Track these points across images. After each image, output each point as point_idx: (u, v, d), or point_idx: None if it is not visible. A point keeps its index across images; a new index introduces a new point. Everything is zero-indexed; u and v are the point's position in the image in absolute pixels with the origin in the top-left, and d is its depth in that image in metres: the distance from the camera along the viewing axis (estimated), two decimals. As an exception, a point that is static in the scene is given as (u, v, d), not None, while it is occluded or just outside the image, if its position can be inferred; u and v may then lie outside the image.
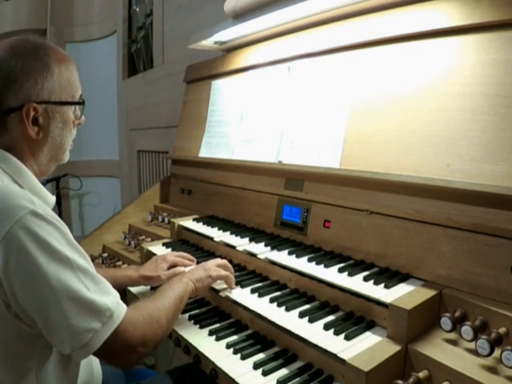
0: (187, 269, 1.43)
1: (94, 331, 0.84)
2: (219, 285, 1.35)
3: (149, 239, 2.04)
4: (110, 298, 0.89)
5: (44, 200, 0.98)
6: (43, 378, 0.92)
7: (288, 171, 1.58)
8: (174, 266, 1.46)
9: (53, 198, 1.04)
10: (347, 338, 1.01)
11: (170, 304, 1.06)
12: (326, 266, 1.25)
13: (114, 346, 0.87)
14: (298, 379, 0.99)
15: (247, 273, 1.44)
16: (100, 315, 0.85)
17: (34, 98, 0.96)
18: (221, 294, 1.31)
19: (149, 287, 1.51)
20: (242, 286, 1.33)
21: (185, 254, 1.52)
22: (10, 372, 0.87)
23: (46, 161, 1.05)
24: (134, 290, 1.51)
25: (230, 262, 1.55)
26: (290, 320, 1.12)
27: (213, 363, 1.06)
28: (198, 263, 1.53)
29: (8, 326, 0.85)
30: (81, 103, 1.08)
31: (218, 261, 1.35)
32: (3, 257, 0.80)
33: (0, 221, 0.81)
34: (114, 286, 1.37)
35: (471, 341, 0.91)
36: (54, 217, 0.87)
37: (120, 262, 1.99)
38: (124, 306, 0.92)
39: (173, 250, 1.70)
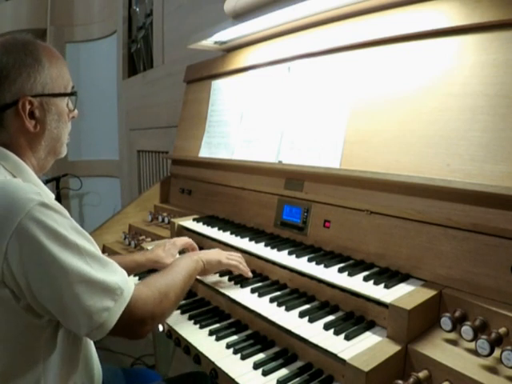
0: None
1: (109, 309, 0.87)
2: (221, 287, 1.35)
3: (149, 239, 2.04)
4: (118, 277, 0.92)
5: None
6: (49, 370, 0.94)
7: (288, 171, 1.58)
8: (182, 252, 1.53)
9: (52, 195, 1.05)
10: (347, 337, 1.01)
11: (179, 279, 1.09)
12: (325, 266, 1.25)
13: (126, 321, 0.90)
14: (297, 379, 0.99)
15: (247, 273, 1.44)
16: (112, 293, 0.88)
17: (28, 92, 0.97)
18: (222, 291, 1.31)
19: None
20: (242, 286, 1.33)
21: (192, 242, 1.57)
22: (17, 363, 0.90)
23: (44, 154, 1.06)
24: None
25: (230, 261, 1.56)
26: (290, 320, 1.12)
27: (213, 363, 1.06)
28: None
29: (16, 319, 0.87)
30: (73, 94, 1.10)
31: (233, 253, 1.40)
32: (17, 249, 0.82)
33: (10, 214, 0.83)
34: (135, 269, 1.44)
35: (471, 341, 0.91)
36: (60, 207, 0.90)
37: (120, 262, 1.98)
38: (132, 283, 0.95)
39: (173, 249, 1.70)
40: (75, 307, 0.85)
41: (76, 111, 1.13)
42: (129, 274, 1.45)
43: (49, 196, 1.01)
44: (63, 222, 0.87)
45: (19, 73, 0.96)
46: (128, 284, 0.93)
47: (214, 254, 1.33)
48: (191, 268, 1.18)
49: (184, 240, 1.55)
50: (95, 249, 0.93)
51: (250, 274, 1.36)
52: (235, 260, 1.37)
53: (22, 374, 0.90)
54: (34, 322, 0.89)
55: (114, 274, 0.92)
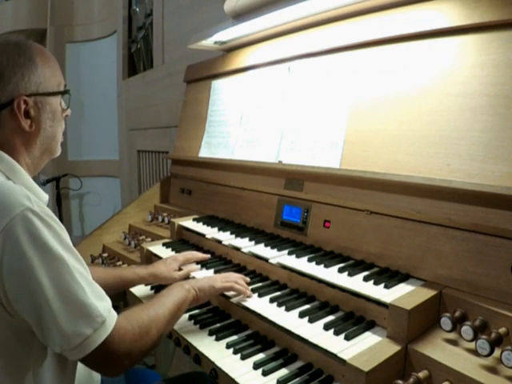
0: (198, 274, 1.44)
1: (85, 336, 0.83)
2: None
3: (149, 239, 2.04)
4: (102, 304, 0.87)
5: (38, 197, 0.97)
6: (41, 378, 0.91)
7: (288, 171, 1.58)
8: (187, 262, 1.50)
9: (46, 196, 1.04)
10: (347, 338, 1.01)
11: (164, 313, 1.02)
12: (326, 266, 1.25)
13: (98, 355, 0.85)
14: (297, 379, 0.99)
15: (247, 273, 1.44)
16: (92, 321, 0.84)
17: (22, 91, 0.97)
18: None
19: (151, 291, 1.50)
20: (242, 286, 1.33)
21: (195, 253, 1.55)
22: (7, 371, 0.87)
23: (39, 153, 1.05)
24: (134, 290, 1.51)
25: (230, 262, 1.56)
26: (290, 320, 1.12)
27: (213, 363, 1.06)
28: (198, 263, 1.53)
29: (4, 324, 0.85)
30: (67, 92, 1.10)
31: (231, 274, 1.32)
32: None
33: None
34: (121, 286, 1.41)
35: (471, 341, 0.91)
36: (51, 215, 0.87)
37: (120, 262, 1.99)
38: (115, 314, 0.90)
39: (173, 250, 1.70)
40: (50, 323, 0.82)
41: (69, 110, 1.13)
42: (130, 287, 1.47)
43: (42, 200, 1.00)
44: (51, 233, 0.84)
45: (13, 72, 0.96)
46: (111, 314, 0.88)
47: (207, 281, 1.24)
48: (181, 298, 1.11)
49: (186, 254, 1.52)
50: (83, 268, 0.89)
51: (249, 293, 1.25)
52: (230, 281, 1.26)
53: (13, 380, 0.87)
54: (23, 328, 0.85)
55: (99, 300, 0.87)
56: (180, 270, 1.46)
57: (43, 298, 0.81)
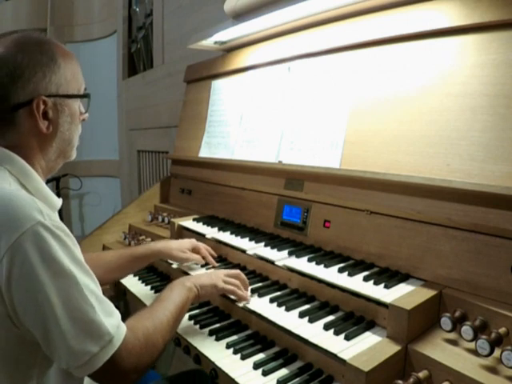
0: (196, 271, 1.45)
1: (92, 354, 0.82)
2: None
3: (149, 239, 2.04)
4: (111, 321, 0.86)
5: (50, 204, 0.97)
6: (47, 376, 0.91)
7: (288, 171, 1.58)
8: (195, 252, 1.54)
9: (59, 201, 1.02)
10: (347, 338, 1.01)
11: (168, 320, 1.01)
12: (326, 266, 1.25)
13: (106, 370, 0.84)
14: (297, 379, 0.99)
15: (247, 273, 1.44)
16: (99, 339, 0.83)
17: (42, 92, 0.95)
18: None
19: (155, 294, 1.50)
20: (242, 286, 1.33)
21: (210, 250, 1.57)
22: (11, 380, 0.86)
23: (54, 157, 1.03)
24: (134, 290, 1.51)
25: (230, 262, 1.56)
26: (290, 320, 1.12)
27: (213, 363, 1.06)
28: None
29: (10, 334, 0.84)
30: (87, 96, 1.07)
31: (232, 272, 1.30)
32: (7, 268, 0.79)
33: (8, 230, 0.80)
34: (135, 263, 1.46)
35: (471, 341, 0.91)
36: (63, 229, 0.85)
37: (120, 262, 1.98)
38: (124, 328, 0.89)
39: (173, 249, 1.70)
40: (57, 340, 0.81)
41: (87, 114, 1.10)
42: (144, 263, 1.50)
43: (56, 206, 0.99)
44: (62, 248, 0.83)
45: (34, 72, 0.93)
46: (120, 330, 0.87)
47: (210, 278, 1.22)
48: (183, 299, 1.10)
49: (202, 247, 1.55)
50: (94, 283, 0.87)
51: (248, 299, 1.24)
52: (233, 284, 1.24)
53: None
54: (28, 338, 0.85)
55: (109, 317, 0.86)
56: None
57: (51, 314, 0.80)
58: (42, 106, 0.95)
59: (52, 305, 0.80)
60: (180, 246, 1.49)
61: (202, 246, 1.55)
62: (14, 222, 0.80)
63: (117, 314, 0.90)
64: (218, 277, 1.24)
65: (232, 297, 1.27)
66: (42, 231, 0.81)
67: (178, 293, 1.11)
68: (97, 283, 0.89)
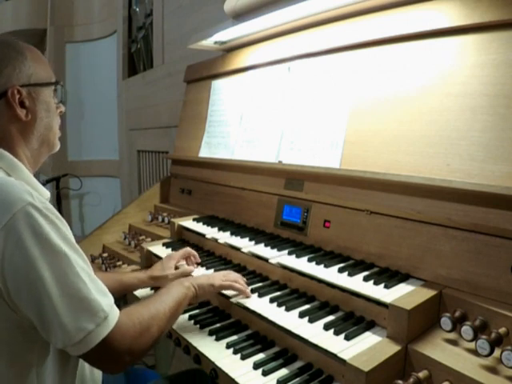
0: (195, 272, 1.45)
1: (87, 331, 0.83)
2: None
3: (149, 239, 2.04)
4: (105, 300, 0.87)
5: (39, 193, 0.96)
6: (43, 374, 0.91)
7: (288, 171, 1.58)
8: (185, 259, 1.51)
9: (47, 193, 1.04)
10: (347, 338, 1.01)
11: (164, 310, 1.03)
12: (326, 266, 1.25)
13: (100, 351, 0.85)
14: (297, 379, 0.99)
15: (247, 273, 1.44)
16: (94, 315, 0.84)
17: (15, 82, 0.99)
18: (221, 291, 1.31)
19: (151, 291, 1.50)
20: (242, 286, 1.33)
21: (191, 250, 1.54)
22: (10, 366, 0.87)
23: (37, 144, 1.06)
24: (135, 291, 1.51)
25: (230, 262, 1.56)
26: (290, 320, 1.12)
27: (213, 363, 1.06)
28: (198, 263, 1.54)
29: (8, 320, 0.85)
30: (58, 83, 1.11)
31: (230, 273, 1.32)
32: (1, 249, 0.80)
33: (0, 211, 0.81)
34: (121, 290, 1.40)
35: (471, 341, 0.91)
36: (53, 211, 0.87)
37: (120, 262, 1.98)
38: (117, 310, 0.90)
39: (173, 249, 1.70)
40: (52, 318, 0.81)
41: (63, 107, 1.14)
42: (130, 291, 1.47)
43: (44, 196, 0.99)
44: (53, 228, 0.84)
45: (4, 65, 0.98)
46: (114, 310, 0.88)
47: (207, 278, 1.25)
48: (181, 296, 1.12)
49: (181, 251, 1.52)
50: (85, 263, 0.89)
51: (248, 294, 1.26)
52: (230, 280, 1.27)
53: (14, 380, 0.87)
54: (26, 323, 0.85)
55: (102, 295, 0.87)
56: (176, 268, 1.46)
57: (45, 293, 0.81)
58: (17, 96, 0.99)
59: (46, 283, 0.81)
60: (164, 268, 1.44)
61: (182, 252, 1.52)
62: (4, 205, 0.82)
63: (110, 295, 0.91)
64: (215, 277, 1.27)
65: (232, 293, 1.27)
66: (33, 211, 0.83)
67: (175, 289, 1.14)
68: (89, 264, 0.90)
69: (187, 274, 1.42)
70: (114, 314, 0.88)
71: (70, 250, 0.85)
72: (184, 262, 1.52)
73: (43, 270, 0.81)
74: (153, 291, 1.51)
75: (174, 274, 1.42)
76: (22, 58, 1.01)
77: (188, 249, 1.54)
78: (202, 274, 1.30)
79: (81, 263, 0.87)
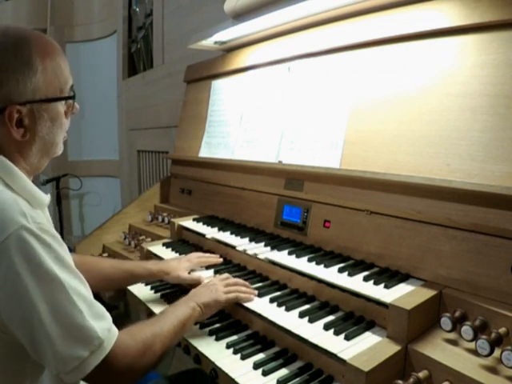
0: (195, 272, 1.44)
1: (82, 359, 0.80)
2: None
3: (149, 239, 2.04)
4: (101, 324, 0.84)
5: (38, 201, 0.93)
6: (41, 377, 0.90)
7: (288, 171, 1.58)
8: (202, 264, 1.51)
9: (47, 198, 0.98)
10: (347, 338, 1.01)
11: (169, 330, 1.01)
12: (326, 266, 1.25)
13: (102, 371, 0.83)
14: (297, 379, 0.99)
15: (247, 273, 1.44)
16: (88, 343, 0.81)
17: (16, 100, 0.88)
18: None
19: (156, 295, 1.49)
20: (242, 286, 1.32)
21: (212, 260, 1.53)
22: (3, 377, 0.85)
23: (36, 159, 0.97)
24: (134, 291, 1.51)
25: (230, 262, 1.56)
26: (290, 320, 1.12)
27: (213, 363, 1.06)
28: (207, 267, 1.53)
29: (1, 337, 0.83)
30: (70, 97, 0.99)
31: (227, 279, 1.29)
32: None
33: None
34: (130, 280, 1.43)
35: (471, 341, 0.91)
36: (48, 231, 0.83)
37: (120, 262, 1.98)
38: (115, 331, 0.87)
39: (173, 250, 1.71)
40: (45, 346, 0.79)
41: (77, 106, 1.03)
42: (138, 282, 1.48)
43: (43, 203, 0.96)
44: (47, 251, 0.80)
45: (7, 78, 0.87)
46: (110, 333, 0.85)
47: (210, 293, 1.20)
48: (186, 316, 1.09)
49: (201, 257, 1.50)
50: (82, 286, 0.85)
51: (253, 298, 1.24)
52: (234, 291, 1.23)
53: None
54: (17, 342, 0.82)
55: (99, 320, 0.84)
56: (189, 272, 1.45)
57: (38, 321, 0.78)
58: (15, 115, 0.88)
59: (38, 311, 0.78)
60: (181, 268, 1.42)
61: (200, 258, 1.51)
62: None
63: (108, 316, 0.88)
64: (217, 289, 1.23)
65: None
66: (26, 235, 0.78)
67: (180, 309, 1.11)
68: (86, 286, 0.87)
69: (196, 283, 1.38)
70: (110, 337, 0.85)
71: (65, 275, 0.82)
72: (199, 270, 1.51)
73: (36, 298, 0.78)
74: (152, 291, 1.51)
75: (184, 277, 1.41)
76: (29, 70, 0.88)
77: (210, 259, 1.53)
78: (202, 289, 1.24)
79: (76, 287, 0.83)
